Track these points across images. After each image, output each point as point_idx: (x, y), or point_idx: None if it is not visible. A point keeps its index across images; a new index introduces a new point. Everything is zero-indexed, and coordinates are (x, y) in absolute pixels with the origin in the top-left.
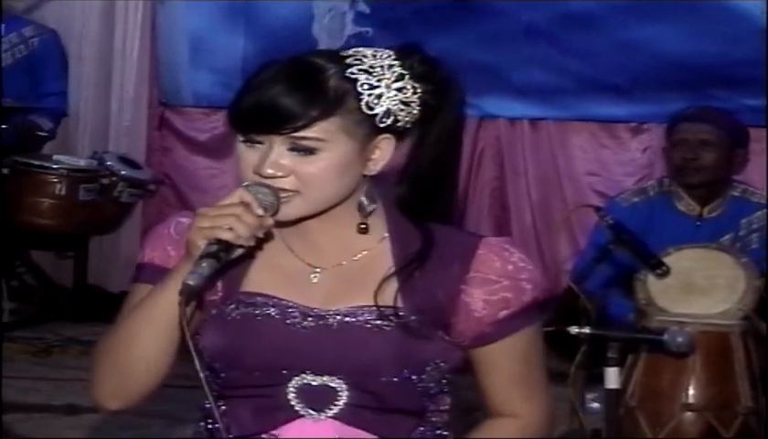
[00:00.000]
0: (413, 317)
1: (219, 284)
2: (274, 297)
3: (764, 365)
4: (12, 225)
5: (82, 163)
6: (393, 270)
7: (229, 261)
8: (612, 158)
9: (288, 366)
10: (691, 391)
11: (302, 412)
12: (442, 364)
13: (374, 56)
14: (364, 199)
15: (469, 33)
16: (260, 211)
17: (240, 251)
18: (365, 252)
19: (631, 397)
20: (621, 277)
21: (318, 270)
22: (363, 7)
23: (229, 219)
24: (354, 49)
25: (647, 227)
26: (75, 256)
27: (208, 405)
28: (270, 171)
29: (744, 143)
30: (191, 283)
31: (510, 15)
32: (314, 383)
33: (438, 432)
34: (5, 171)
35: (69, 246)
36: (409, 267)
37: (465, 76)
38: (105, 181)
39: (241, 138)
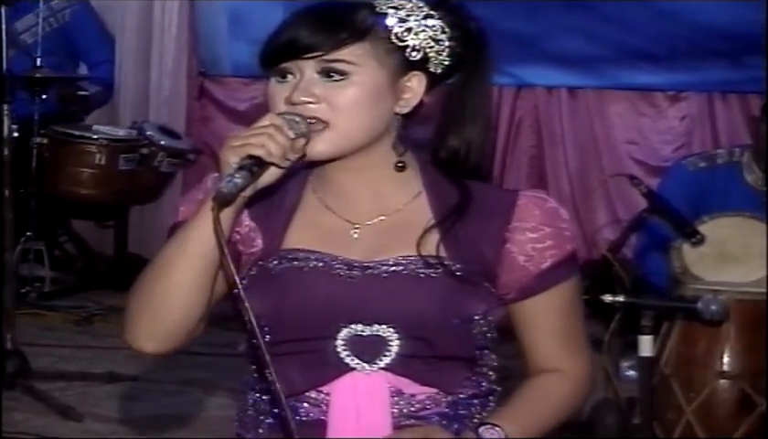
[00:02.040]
0: (458, 266)
1: (259, 240)
2: (317, 252)
3: None
4: (52, 195)
5: (122, 133)
6: (434, 221)
7: (259, 174)
8: (650, 127)
9: (337, 317)
10: (726, 359)
11: (352, 365)
12: (489, 317)
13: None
14: (397, 140)
15: (507, 2)
16: (290, 134)
17: (272, 173)
18: (403, 206)
19: (665, 365)
20: (657, 245)
21: (358, 226)
22: None
23: (260, 138)
24: None
25: (709, 194)
26: (115, 225)
27: (255, 376)
28: (302, 98)
29: None
30: (224, 189)
31: None
32: (363, 333)
33: (492, 386)
34: (45, 141)
35: (110, 215)
36: (449, 218)
37: (503, 45)
38: (145, 151)
39: (273, 77)
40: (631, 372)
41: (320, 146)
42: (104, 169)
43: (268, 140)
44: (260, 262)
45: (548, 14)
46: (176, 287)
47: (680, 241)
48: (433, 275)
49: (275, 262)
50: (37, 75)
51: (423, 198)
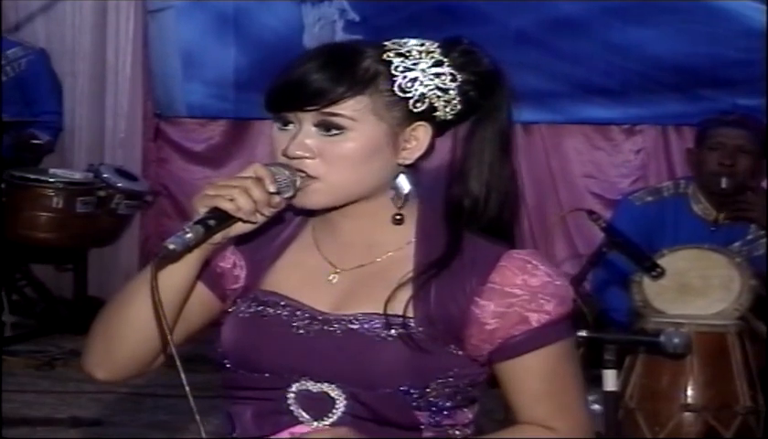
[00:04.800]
0: (421, 329)
1: (242, 275)
2: (287, 297)
3: (762, 364)
4: (10, 239)
5: (78, 176)
6: (409, 277)
7: (219, 229)
8: (606, 160)
9: (289, 370)
10: (690, 392)
11: (300, 419)
12: (450, 379)
13: (415, 44)
14: (401, 185)
15: None
16: (271, 188)
17: (244, 226)
18: (389, 254)
19: (630, 398)
20: (616, 280)
21: (338, 270)
22: (353, 16)
23: (233, 190)
24: (398, 39)
25: (659, 227)
26: (74, 269)
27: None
28: (297, 152)
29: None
30: (171, 246)
31: (500, 20)
32: (313, 390)
33: None
34: (2, 186)
35: (68, 259)
36: (425, 275)
37: None
38: (102, 193)
39: (275, 122)
40: (596, 407)
41: (310, 198)
42: (62, 213)
43: (240, 193)
44: (237, 300)
45: (500, 50)
46: (133, 321)
47: (640, 275)
48: (389, 338)
49: (246, 305)
50: None
51: (411, 250)
